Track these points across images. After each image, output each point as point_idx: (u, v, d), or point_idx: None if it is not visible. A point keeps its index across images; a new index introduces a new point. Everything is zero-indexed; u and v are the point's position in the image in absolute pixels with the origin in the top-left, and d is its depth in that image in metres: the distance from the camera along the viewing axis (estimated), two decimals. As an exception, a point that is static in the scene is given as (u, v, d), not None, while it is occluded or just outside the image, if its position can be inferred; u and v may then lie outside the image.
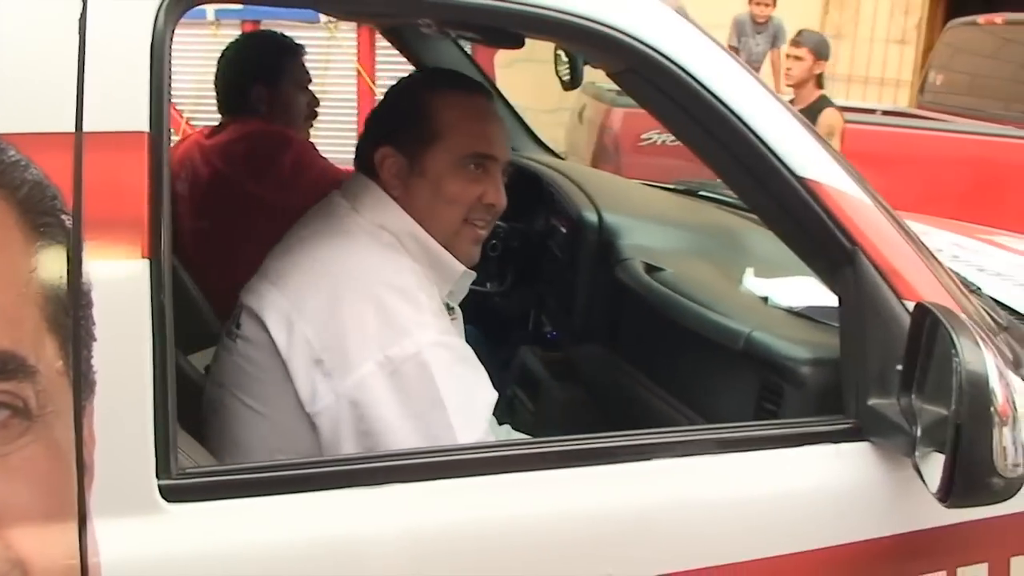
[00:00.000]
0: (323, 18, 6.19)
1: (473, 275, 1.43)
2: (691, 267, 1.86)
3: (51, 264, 0.90)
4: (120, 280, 0.92)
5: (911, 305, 1.22)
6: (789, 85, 4.60)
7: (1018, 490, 1.06)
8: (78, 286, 0.90)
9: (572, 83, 1.78)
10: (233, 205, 2.24)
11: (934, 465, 1.09)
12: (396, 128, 1.39)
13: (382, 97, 1.47)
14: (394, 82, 1.50)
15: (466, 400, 1.24)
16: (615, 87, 3.60)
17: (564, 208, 2.15)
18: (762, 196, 1.27)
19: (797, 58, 4.48)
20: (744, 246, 2.12)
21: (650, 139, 5.03)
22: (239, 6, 5.61)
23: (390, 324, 1.24)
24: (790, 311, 1.61)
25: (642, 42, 1.16)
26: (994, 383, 1.02)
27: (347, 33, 6.46)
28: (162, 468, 0.94)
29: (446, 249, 1.38)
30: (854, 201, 1.24)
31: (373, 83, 6.53)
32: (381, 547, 1.00)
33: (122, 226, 0.93)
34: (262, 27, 5.62)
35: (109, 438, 0.92)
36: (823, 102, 4.45)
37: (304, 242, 1.34)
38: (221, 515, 0.97)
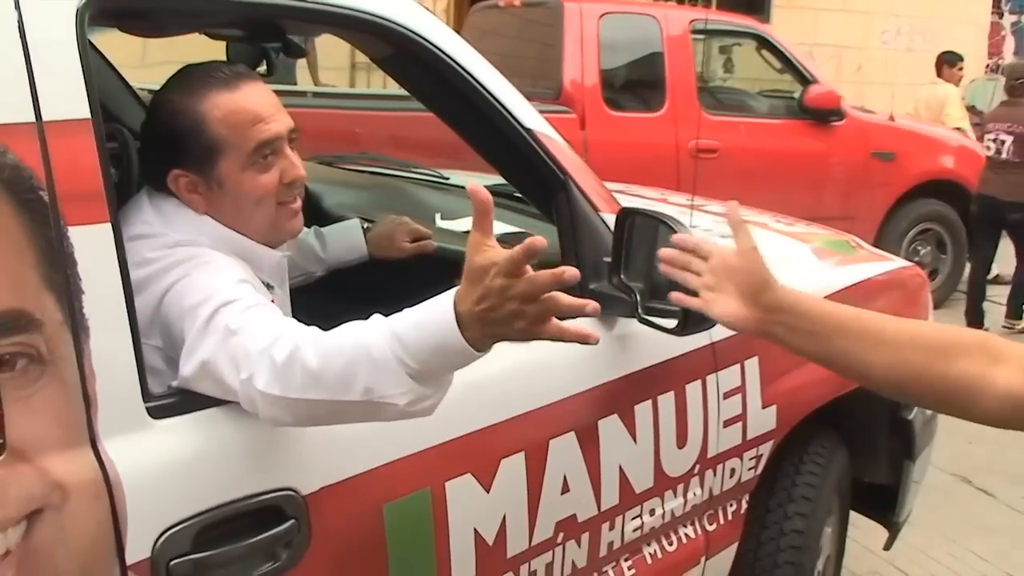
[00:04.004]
0: None
1: (288, 255, 1.68)
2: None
3: (40, 232, 1.13)
4: (94, 241, 1.18)
5: (606, 216, 1.83)
6: None
7: (716, 322, 1.70)
8: (63, 248, 1.15)
9: (267, 73, 2.14)
10: None
11: (659, 316, 1.70)
12: (176, 149, 1.48)
13: (151, 116, 1.56)
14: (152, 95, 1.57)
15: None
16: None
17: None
18: (498, 146, 1.80)
19: None
20: (407, 197, 2.66)
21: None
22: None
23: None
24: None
25: (407, 28, 1.61)
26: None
27: None
28: (144, 392, 1.23)
29: (269, 238, 1.55)
30: (559, 144, 1.83)
31: None
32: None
33: (86, 197, 1.18)
34: None
35: (105, 373, 1.18)
36: None
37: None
38: (195, 424, 1.28)
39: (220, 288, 1.37)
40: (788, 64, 6.47)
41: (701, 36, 6.36)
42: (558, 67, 5.95)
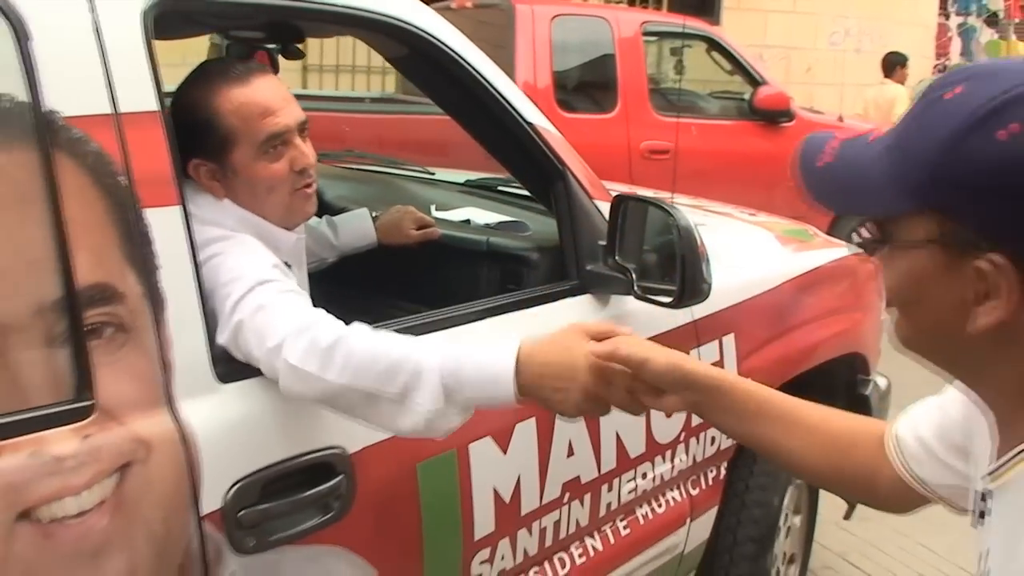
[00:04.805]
0: None
1: (304, 237, 1.81)
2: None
3: (121, 213, 1.27)
4: (166, 222, 1.32)
5: (600, 204, 2.00)
6: None
7: (708, 295, 1.87)
8: (141, 228, 1.29)
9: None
10: None
11: (652, 291, 1.87)
12: (195, 140, 1.59)
13: (172, 108, 1.59)
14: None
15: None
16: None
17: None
18: (503, 140, 1.96)
19: None
20: (400, 191, 2.82)
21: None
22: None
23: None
24: (488, 226, 2.34)
25: (421, 29, 1.77)
26: (695, 231, 1.82)
27: None
28: (213, 358, 1.36)
29: (285, 221, 1.68)
30: (557, 137, 1.99)
31: None
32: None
33: (158, 182, 1.32)
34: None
35: (179, 340, 1.31)
36: None
37: None
38: (257, 387, 1.42)
39: (256, 269, 1.51)
40: (738, 66, 6.61)
41: (652, 38, 6.47)
42: (510, 69, 5.88)
